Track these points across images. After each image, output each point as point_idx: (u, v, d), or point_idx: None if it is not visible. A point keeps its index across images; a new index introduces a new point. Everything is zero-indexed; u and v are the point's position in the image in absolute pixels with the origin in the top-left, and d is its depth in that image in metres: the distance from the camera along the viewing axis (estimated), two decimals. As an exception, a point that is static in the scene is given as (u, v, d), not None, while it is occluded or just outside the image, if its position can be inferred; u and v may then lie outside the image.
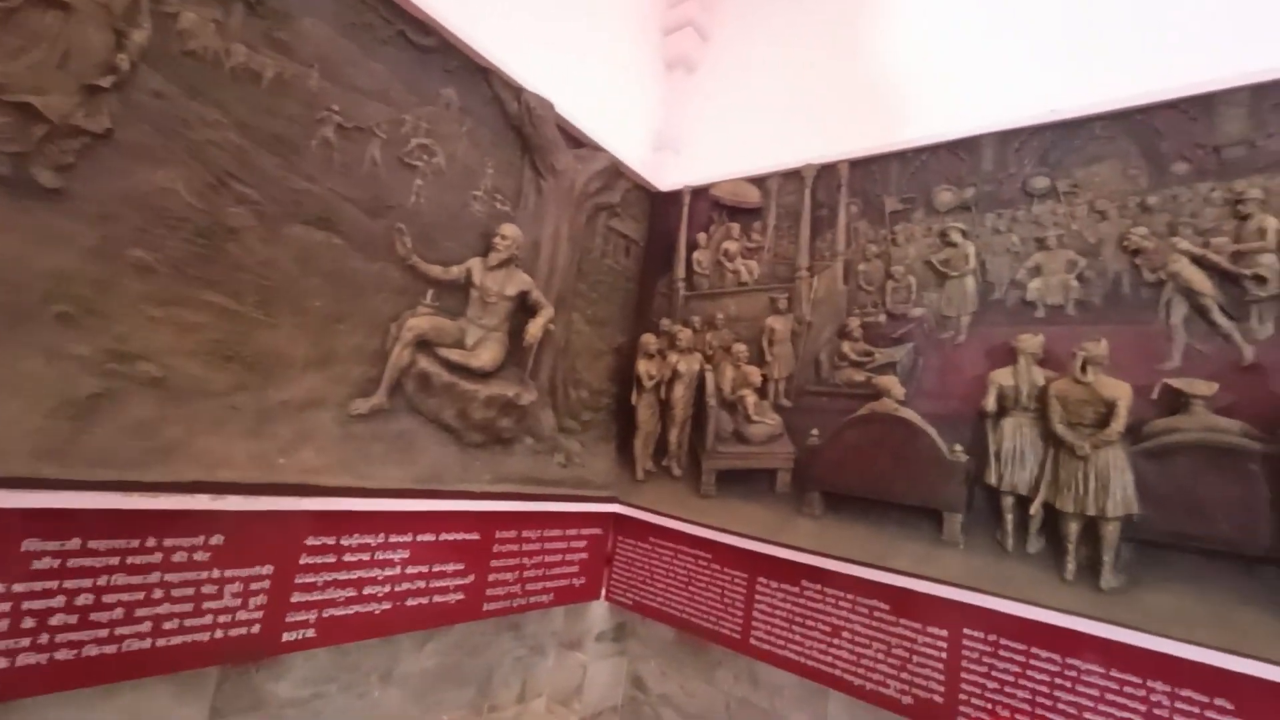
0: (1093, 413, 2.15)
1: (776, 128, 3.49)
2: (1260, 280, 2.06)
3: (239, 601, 1.95)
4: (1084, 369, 2.18)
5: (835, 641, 2.55)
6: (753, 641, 2.77)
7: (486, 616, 2.74)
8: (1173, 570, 1.98)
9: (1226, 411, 2.01)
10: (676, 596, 3.07)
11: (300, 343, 2.18)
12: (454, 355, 2.61)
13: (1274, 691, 1.74)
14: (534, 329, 2.86)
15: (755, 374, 3.10)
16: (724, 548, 2.93)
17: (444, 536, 2.55)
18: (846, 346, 2.91)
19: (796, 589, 2.70)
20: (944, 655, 2.29)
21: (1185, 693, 1.87)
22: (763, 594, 2.79)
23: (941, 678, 2.28)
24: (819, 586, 2.64)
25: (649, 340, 3.45)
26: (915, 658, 2.35)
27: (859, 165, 3.07)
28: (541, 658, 3.28)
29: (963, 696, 2.22)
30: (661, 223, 3.78)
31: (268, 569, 2.02)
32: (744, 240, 3.43)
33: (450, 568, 2.58)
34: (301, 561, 2.11)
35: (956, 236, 2.70)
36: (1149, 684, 1.93)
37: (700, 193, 3.64)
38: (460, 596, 2.61)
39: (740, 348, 3.19)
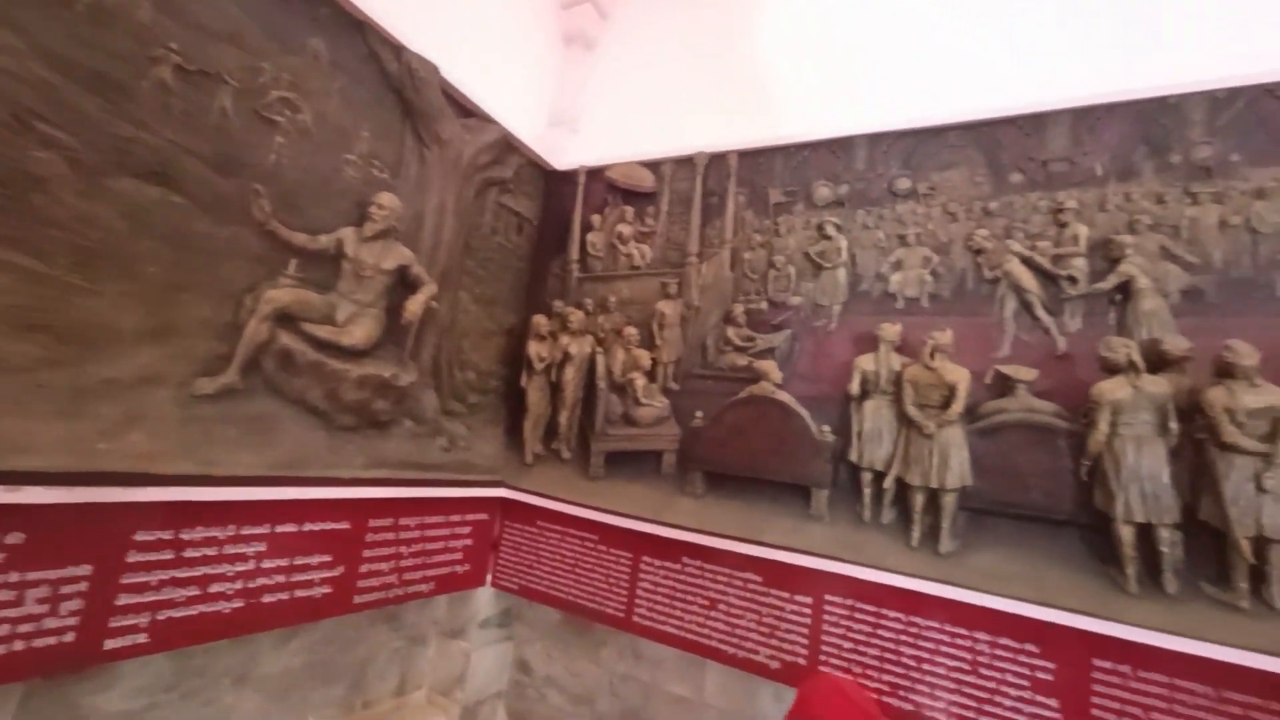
0: (938, 395, 2.38)
1: (672, 113, 3.52)
2: (1073, 281, 2.36)
3: (46, 608, 1.70)
4: (932, 356, 2.40)
5: (713, 614, 2.66)
6: (636, 619, 2.83)
7: (359, 609, 2.59)
8: (996, 534, 2.25)
9: (1043, 395, 2.30)
10: (563, 579, 3.07)
11: (130, 313, 1.92)
12: (322, 332, 2.41)
13: (1070, 634, 2.03)
14: (414, 306, 2.71)
15: (645, 357, 3.14)
16: (610, 529, 2.96)
17: (308, 526, 2.37)
18: (731, 332, 3.02)
19: (678, 566, 2.78)
20: (808, 621, 2.46)
21: (1003, 640, 2.14)
22: (646, 572, 2.85)
23: (805, 641, 2.45)
24: (699, 563, 2.74)
25: (540, 322, 3.39)
26: (783, 625, 2.51)
27: (747, 156, 3.17)
28: (422, 648, 3.16)
29: (823, 657, 2.40)
30: (556, 202, 3.71)
31: (84, 569, 1.77)
32: (637, 224, 3.45)
33: (316, 560, 2.41)
34: (129, 559, 1.87)
35: (831, 230, 2.86)
36: (974, 635, 2.18)
37: (596, 174, 3.61)
38: (328, 590, 2.45)
39: (631, 331, 3.21)
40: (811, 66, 3.16)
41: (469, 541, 3.13)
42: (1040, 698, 2.06)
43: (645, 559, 2.87)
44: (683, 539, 2.75)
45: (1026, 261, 2.45)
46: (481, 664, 3.16)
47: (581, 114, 3.89)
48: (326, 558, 2.44)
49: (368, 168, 2.65)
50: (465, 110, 3.13)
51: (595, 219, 3.57)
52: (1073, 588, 2.06)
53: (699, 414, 2.92)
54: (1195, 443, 2.00)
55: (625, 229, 3.46)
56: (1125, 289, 2.27)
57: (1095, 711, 1.98)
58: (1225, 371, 1.96)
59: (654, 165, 3.44)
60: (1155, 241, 2.27)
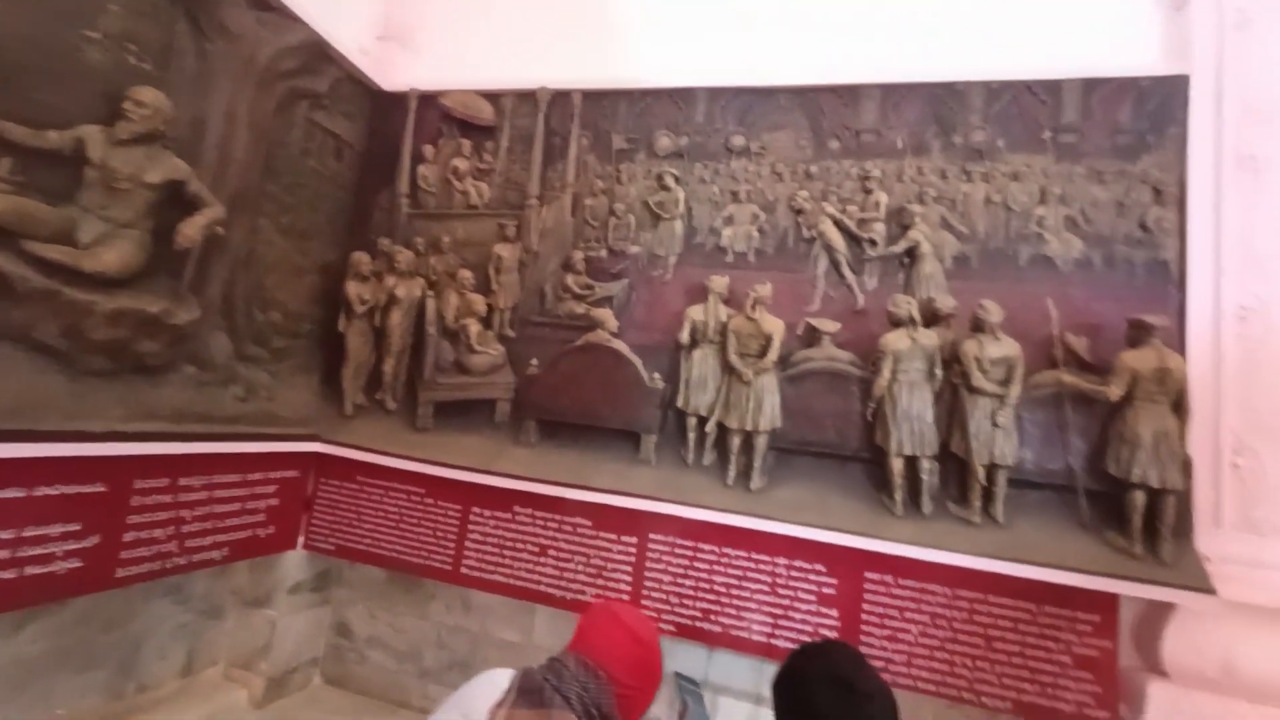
0: (757, 345, 2.54)
1: (517, 42, 3.27)
2: (873, 243, 2.62)
3: None
4: (753, 308, 2.55)
5: (542, 560, 2.67)
6: (464, 570, 2.76)
7: (125, 584, 2.22)
8: (797, 470, 2.49)
9: (844, 345, 2.55)
10: (386, 536, 2.89)
11: None
12: (53, 253, 1.95)
13: (849, 553, 2.32)
14: (189, 230, 2.28)
15: (480, 302, 2.98)
16: (438, 481, 2.82)
17: (43, 490, 1.95)
18: (570, 279, 2.96)
19: (509, 515, 2.74)
20: (633, 559, 2.56)
21: (797, 563, 2.39)
22: (476, 523, 2.78)
23: (629, 578, 2.55)
24: (530, 511, 2.72)
25: (361, 260, 3.06)
26: (609, 565, 2.59)
27: (592, 98, 3.07)
28: (216, 621, 2.82)
29: (645, 591, 2.52)
30: (384, 127, 3.33)
31: None
32: (475, 160, 3.21)
33: (58, 530, 2.00)
34: None
35: (670, 181, 2.89)
36: (774, 560, 2.41)
37: (430, 100, 3.28)
38: (77, 564, 2.05)
39: (466, 274, 3.02)
40: (660, 12, 3.10)
41: (274, 501, 2.81)
42: (824, 609, 2.35)
43: (475, 510, 2.79)
44: (515, 488, 2.70)
45: (838, 223, 2.67)
46: (290, 632, 2.91)
47: (416, 30, 3.48)
48: (74, 526, 2.04)
49: (119, 51, 2.14)
50: (262, 2, 2.64)
51: (428, 150, 3.27)
52: (853, 513, 2.35)
53: (534, 362, 2.85)
54: (953, 387, 2.35)
55: (462, 164, 3.21)
56: (912, 253, 2.56)
57: (865, 615, 2.30)
58: (977, 326, 2.30)
59: (494, 97, 3.20)
60: (937, 212, 2.57)
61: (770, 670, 2.49)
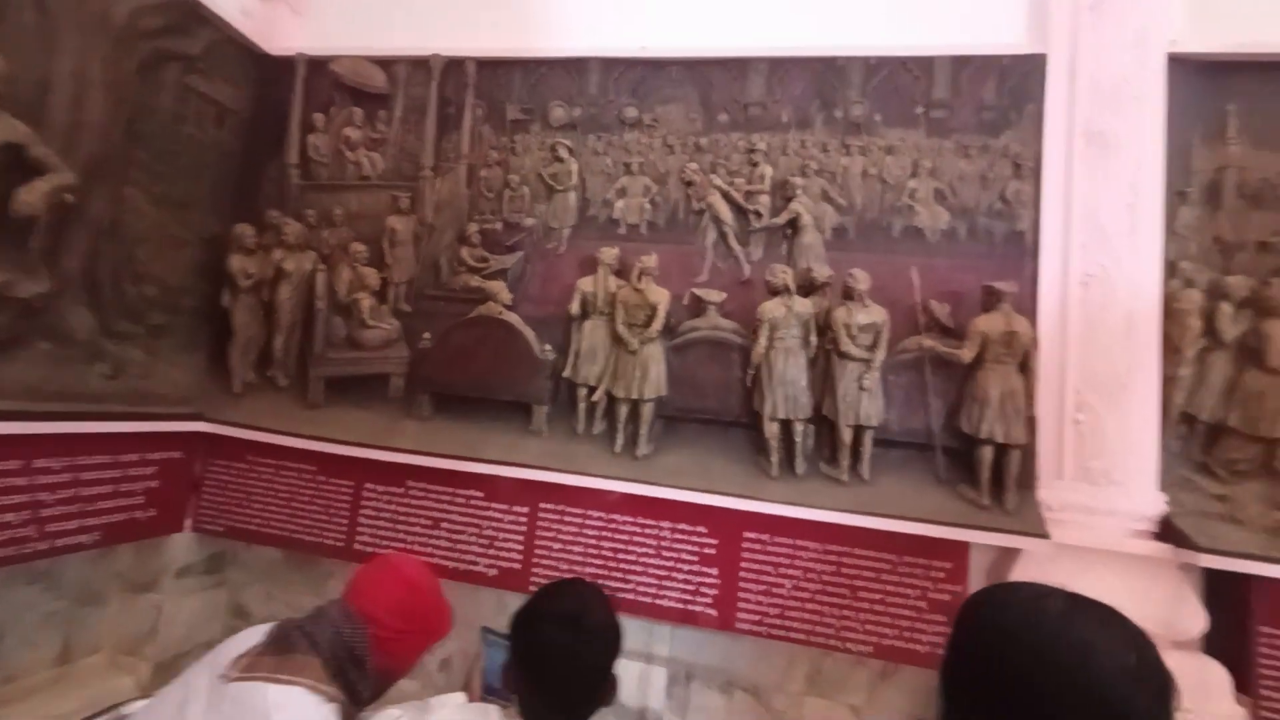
0: (643, 315, 2.57)
1: (409, 7, 3.17)
2: (759, 215, 2.68)
3: None
4: (639, 278, 2.58)
5: (435, 533, 2.67)
6: (357, 547, 2.73)
7: (-25, 570, 2.11)
8: (682, 437, 2.55)
9: (730, 315, 2.61)
10: (278, 515, 2.83)
11: None
12: None
13: (728, 515, 2.40)
14: (28, 196, 2.14)
15: (373, 276, 2.91)
16: (330, 458, 2.77)
17: None
18: (465, 252, 2.93)
19: (401, 489, 2.73)
20: (524, 528, 2.59)
21: (681, 526, 2.47)
22: (369, 499, 2.75)
23: (520, 548, 2.58)
24: (423, 484, 2.71)
25: (245, 232, 2.94)
26: (501, 535, 2.61)
27: (486, 66, 3.01)
28: (97, 607, 2.72)
29: (535, 559, 2.56)
30: (271, 93, 3.18)
31: None
32: (368, 129, 3.12)
33: (-113, 514, 1.88)
34: None
35: (564, 153, 2.87)
36: (659, 524, 2.48)
37: (319, 66, 3.15)
38: (-87, 550, 1.94)
39: (359, 247, 2.94)
40: (555, -21, 3.05)
41: (154, 484, 2.71)
42: (705, 569, 2.43)
43: (368, 486, 2.76)
44: (407, 462, 2.68)
45: (725, 196, 2.71)
46: (179, 616, 2.83)
47: (306, -8, 3.33)
48: (-94, 511, 1.92)
49: (-63, 1, 1.98)
50: (116, -47, 2.48)
51: (319, 119, 3.15)
52: (733, 476, 2.43)
53: (426, 335, 2.81)
54: (826, 353, 2.44)
55: (354, 133, 3.11)
56: (794, 224, 2.63)
57: (743, 573, 2.40)
58: (847, 294, 2.39)
59: (387, 64, 3.10)
60: (818, 185, 2.65)
61: (661, 632, 2.60)
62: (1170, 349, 2.30)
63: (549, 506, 2.57)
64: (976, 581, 2.31)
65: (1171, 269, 2.36)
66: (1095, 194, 2.40)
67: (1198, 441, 2.31)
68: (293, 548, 2.83)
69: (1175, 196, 2.40)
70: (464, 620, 2.71)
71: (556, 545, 2.55)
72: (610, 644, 1.23)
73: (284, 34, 3.23)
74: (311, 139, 3.14)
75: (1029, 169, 2.48)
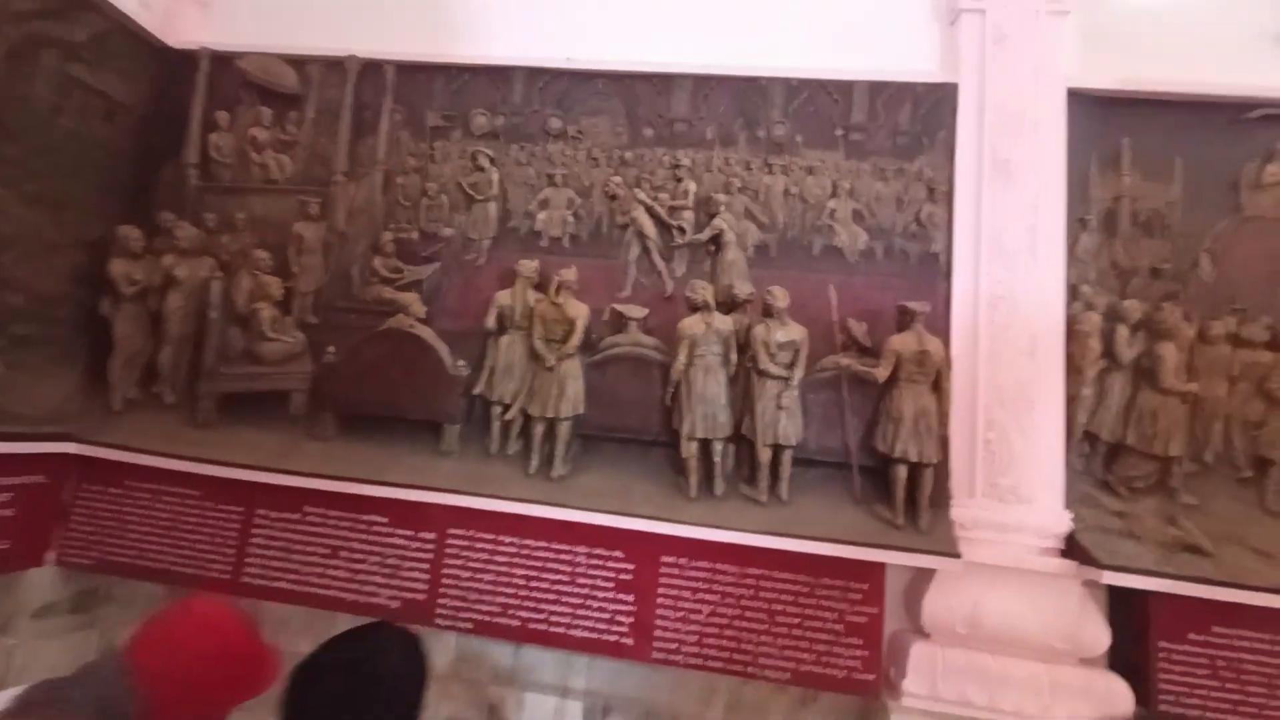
0: (561, 330, 2.48)
1: (324, 4, 3.04)
2: (682, 231, 2.64)
3: None
4: (557, 292, 2.49)
5: (333, 562, 2.47)
6: (245, 579, 2.50)
7: None
8: (602, 457, 2.46)
9: (652, 332, 2.55)
10: (157, 546, 2.57)
11: None
12: None
13: (646, 538, 2.31)
14: None
15: (275, 285, 2.72)
16: (219, 482, 2.53)
17: None
18: (379, 262, 2.77)
19: (298, 516, 2.52)
20: (431, 556, 2.43)
21: (597, 551, 2.36)
22: (260, 527, 2.53)
23: (426, 576, 2.42)
24: (322, 510, 2.51)
25: (130, 235, 2.69)
26: (406, 563, 2.44)
27: (406, 71, 2.89)
28: (-68, 656, 2.38)
29: (442, 589, 2.40)
30: (170, 89, 2.97)
31: None
32: (277, 130, 2.94)
33: None
34: None
35: (485, 162, 2.78)
36: (574, 549, 2.37)
37: (225, 62, 2.97)
38: None
39: (261, 254, 2.75)
40: (481, -13, 2.98)
41: (9, 512, 2.42)
42: (622, 595, 2.33)
43: (261, 513, 2.54)
44: (305, 486, 2.48)
45: (649, 210, 2.67)
46: (36, 662, 2.50)
47: (214, -16, 3.15)
48: None
49: None
50: (-18, -73, 2.26)
51: (223, 117, 2.95)
52: (651, 497, 2.35)
53: (331, 350, 2.63)
54: (746, 371, 2.40)
55: (261, 134, 2.93)
56: (717, 241, 2.60)
57: (660, 600, 2.31)
58: (767, 312, 2.37)
59: (299, 63, 2.95)
60: (742, 202, 2.64)
61: (579, 662, 2.47)
62: (1073, 369, 2.37)
63: (458, 532, 2.42)
64: (893, 602, 2.30)
65: (1074, 292, 2.44)
66: (1002, 219, 2.48)
67: (1099, 459, 2.38)
68: (173, 582, 2.56)
69: (1076, 223, 2.50)
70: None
71: (465, 574, 2.40)
72: (401, 697, 1.08)
73: (187, 27, 3.03)
74: (214, 138, 2.94)
75: (942, 193, 2.54)
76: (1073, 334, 2.38)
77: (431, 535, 2.43)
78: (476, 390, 2.50)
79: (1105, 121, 2.54)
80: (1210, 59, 2.58)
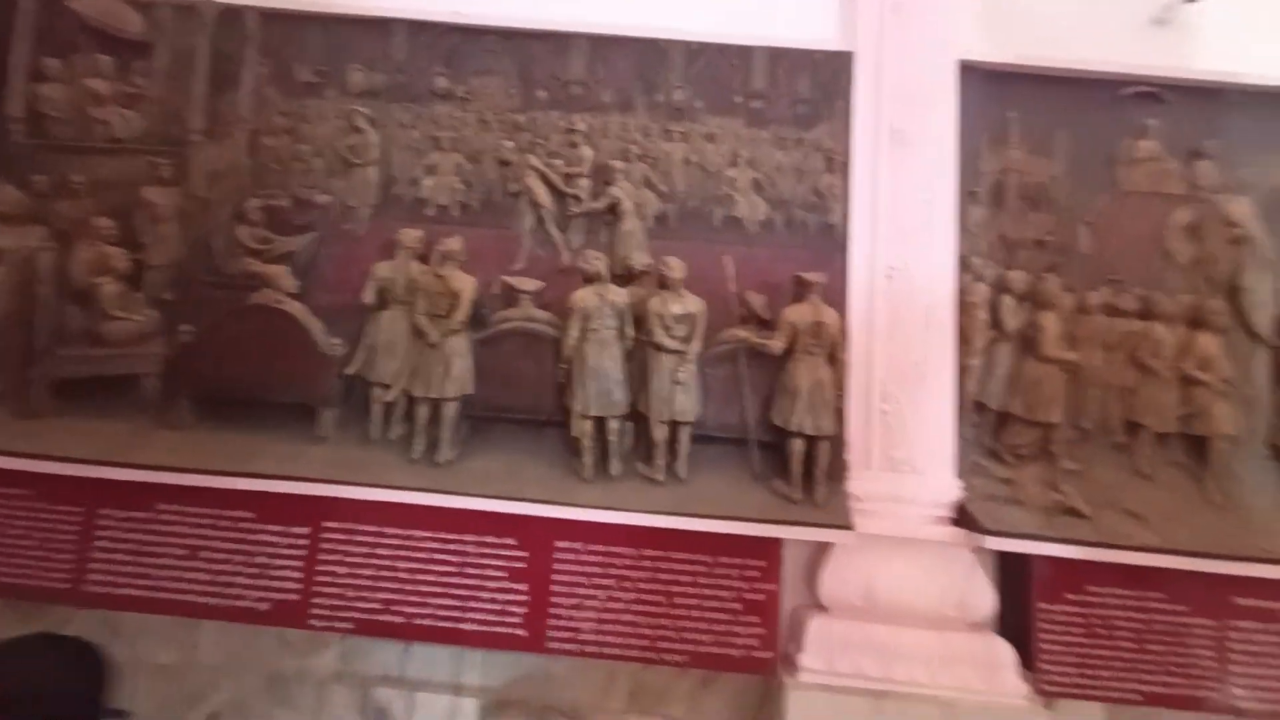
0: (446, 304, 2.31)
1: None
2: (578, 200, 2.51)
3: None
4: (441, 263, 2.31)
5: (191, 564, 2.23)
6: (89, 588, 2.22)
7: None
8: (491, 439, 2.32)
9: (548, 306, 2.41)
10: (-23, 555, 2.25)
11: None
12: None
13: (540, 523, 2.19)
14: None
15: (119, 257, 2.41)
16: (54, 479, 2.23)
17: None
18: (244, 232, 2.50)
19: (149, 515, 2.25)
20: (304, 552, 2.22)
21: (488, 539, 2.22)
22: (105, 528, 2.25)
23: (300, 575, 2.22)
24: (177, 507, 2.26)
25: (-68, 197, 2.32)
26: (277, 562, 2.22)
27: (273, 20, 2.61)
28: None
29: (316, 588, 2.20)
30: (-13, 32, 2.57)
31: None
32: (121, 82, 2.60)
33: None
34: None
35: (363, 123, 2.55)
36: (463, 538, 2.22)
37: (55, 2, 2.59)
38: None
39: (104, 223, 2.43)
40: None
41: None
42: (514, 585, 2.20)
43: (104, 512, 2.26)
44: (158, 481, 2.21)
45: (544, 178, 2.52)
46: None
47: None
48: None
49: None
50: None
51: (54, 65, 2.58)
52: (544, 480, 2.23)
53: (187, 328, 2.36)
54: (642, 345, 2.31)
55: (101, 86, 2.58)
56: (615, 210, 2.48)
57: (554, 587, 2.20)
58: (662, 283, 2.28)
59: (145, 6, 2.61)
60: (640, 170, 2.53)
61: (472, 658, 2.34)
62: (963, 340, 2.40)
63: (334, 525, 2.23)
64: (791, 578, 2.27)
65: (964, 264, 2.46)
66: (898, 190, 2.47)
67: (988, 428, 2.43)
68: (3, 594, 2.25)
69: (967, 196, 2.51)
70: (244, 667, 2.34)
71: (343, 569, 2.21)
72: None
73: (8, -40, 2.62)
74: (44, 90, 2.57)
75: (840, 163, 2.51)
76: (963, 305, 2.40)
77: (305, 530, 2.23)
78: (351, 370, 2.29)
79: (995, 96, 2.57)
80: (1094, 38, 2.65)
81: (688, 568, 2.20)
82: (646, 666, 2.26)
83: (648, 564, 2.20)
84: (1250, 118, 2.59)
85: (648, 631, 2.17)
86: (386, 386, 2.31)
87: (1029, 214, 2.55)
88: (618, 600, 2.19)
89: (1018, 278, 2.41)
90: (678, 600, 2.19)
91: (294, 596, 2.19)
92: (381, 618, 2.18)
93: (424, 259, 2.41)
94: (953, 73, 2.53)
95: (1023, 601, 2.26)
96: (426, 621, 2.18)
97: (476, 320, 2.36)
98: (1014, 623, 2.29)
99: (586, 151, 2.53)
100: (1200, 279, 2.51)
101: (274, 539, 2.23)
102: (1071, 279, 2.46)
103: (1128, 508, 2.29)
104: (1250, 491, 2.34)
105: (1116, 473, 2.39)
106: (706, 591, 2.19)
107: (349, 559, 2.21)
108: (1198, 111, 2.60)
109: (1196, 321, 2.43)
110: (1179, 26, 2.71)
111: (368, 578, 2.20)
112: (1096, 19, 2.70)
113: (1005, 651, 2.18)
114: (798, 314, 2.24)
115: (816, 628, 2.20)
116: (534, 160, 2.52)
